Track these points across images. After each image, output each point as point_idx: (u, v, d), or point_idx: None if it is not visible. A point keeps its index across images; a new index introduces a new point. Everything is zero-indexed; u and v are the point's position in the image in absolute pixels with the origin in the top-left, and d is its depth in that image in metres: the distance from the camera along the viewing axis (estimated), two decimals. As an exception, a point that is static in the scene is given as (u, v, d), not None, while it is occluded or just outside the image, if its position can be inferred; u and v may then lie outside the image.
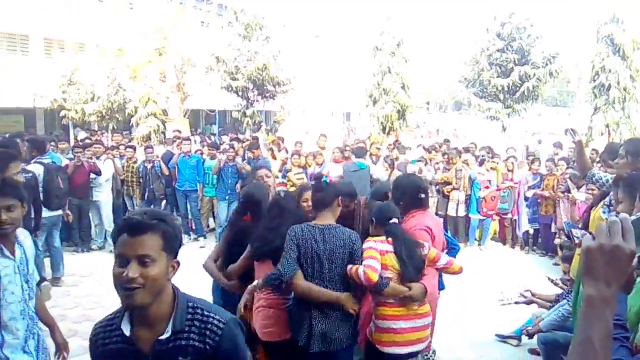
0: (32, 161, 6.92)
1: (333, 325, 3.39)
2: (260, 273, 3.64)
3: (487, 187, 9.63)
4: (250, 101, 18.85)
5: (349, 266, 3.41)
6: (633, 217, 1.15)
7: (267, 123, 23.14)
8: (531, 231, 10.00)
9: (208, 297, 3.97)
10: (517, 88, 19.66)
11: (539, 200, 9.39)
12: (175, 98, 18.49)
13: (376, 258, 3.42)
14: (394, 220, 3.62)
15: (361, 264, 3.37)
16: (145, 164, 9.84)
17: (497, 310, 5.71)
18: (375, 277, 3.30)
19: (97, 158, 9.23)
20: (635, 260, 1.13)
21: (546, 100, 21.39)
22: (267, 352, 3.74)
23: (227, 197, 9.46)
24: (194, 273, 4.01)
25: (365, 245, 3.50)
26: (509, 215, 10.05)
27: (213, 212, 10.47)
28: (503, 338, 5.77)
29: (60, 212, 7.35)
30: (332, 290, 3.38)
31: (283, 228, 3.51)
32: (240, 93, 18.58)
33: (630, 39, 17.60)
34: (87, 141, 11.41)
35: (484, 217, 9.81)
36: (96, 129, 17.45)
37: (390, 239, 3.55)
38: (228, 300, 3.94)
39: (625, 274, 1.11)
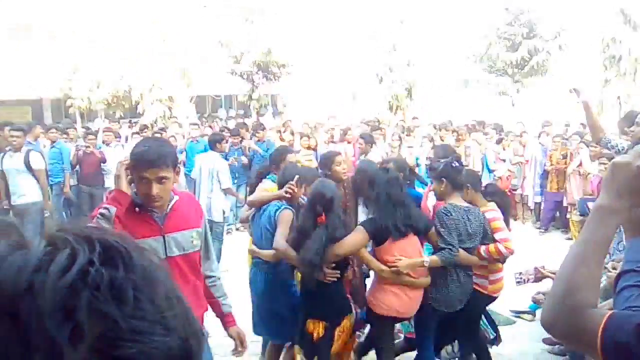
0: None
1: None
2: (388, 254, 3.58)
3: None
4: (255, 84, 18.75)
5: (482, 247, 3.76)
6: None
7: (273, 106, 23.04)
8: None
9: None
10: (526, 62, 19.40)
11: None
12: (180, 83, 18.44)
13: (504, 228, 3.86)
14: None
15: (493, 240, 3.75)
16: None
17: (512, 287, 5.68)
18: (513, 246, 3.78)
19: (107, 145, 9.25)
20: None
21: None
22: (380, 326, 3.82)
23: (235, 181, 9.44)
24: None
25: (489, 216, 3.84)
26: (519, 191, 9.97)
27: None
28: (517, 314, 5.74)
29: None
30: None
31: (408, 199, 3.70)
32: (245, 77, 18.49)
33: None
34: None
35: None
36: (103, 117, 17.47)
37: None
38: (282, 292, 3.90)
39: None
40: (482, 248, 3.79)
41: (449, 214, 3.63)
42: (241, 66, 18.45)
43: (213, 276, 2.92)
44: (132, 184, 2.53)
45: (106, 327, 0.48)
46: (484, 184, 4.55)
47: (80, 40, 17.91)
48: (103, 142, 9.36)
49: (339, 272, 3.52)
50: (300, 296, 3.78)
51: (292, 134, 11.56)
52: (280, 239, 3.58)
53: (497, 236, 3.80)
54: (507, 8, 19.81)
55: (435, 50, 20.09)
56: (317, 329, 3.52)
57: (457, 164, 3.79)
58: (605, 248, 1.18)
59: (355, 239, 3.50)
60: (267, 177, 4.51)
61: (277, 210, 3.80)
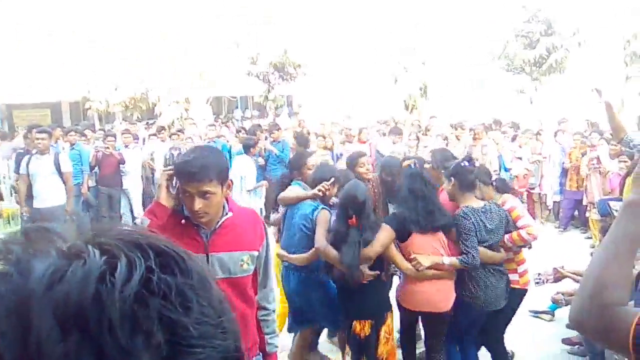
0: None
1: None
2: (412, 250, 3.67)
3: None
4: (271, 85, 18.83)
5: (506, 237, 3.81)
6: None
7: (289, 107, 23.10)
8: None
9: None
10: (544, 60, 19.18)
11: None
12: (197, 85, 18.58)
13: (525, 214, 3.98)
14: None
15: (516, 227, 3.83)
16: (172, 151, 9.89)
17: (532, 288, 5.61)
18: (535, 231, 3.88)
19: (126, 147, 9.38)
20: None
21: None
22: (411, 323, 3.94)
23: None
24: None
25: (507, 206, 3.91)
26: (537, 190, 9.85)
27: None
28: (536, 314, 5.69)
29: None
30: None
31: (434, 194, 3.74)
32: (261, 77, 18.57)
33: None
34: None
35: (517, 196, 9.60)
36: (121, 119, 17.68)
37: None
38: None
39: None
40: (506, 237, 3.85)
41: (468, 218, 3.63)
42: (257, 67, 18.53)
43: (267, 309, 2.61)
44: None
45: (176, 334, 0.47)
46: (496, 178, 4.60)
47: (98, 44, 18.14)
48: (122, 144, 9.48)
49: (377, 271, 3.62)
50: (338, 297, 3.86)
51: (308, 134, 11.56)
52: (321, 239, 3.65)
53: (519, 224, 3.87)
54: (525, 6, 19.61)
55: (451, 49, 19.97)
56: (364, 328, 3.65)
57: (466, 164, 3.79)
58: (636, 245, 1.15)
59: (383, 238, 3.57)
60: (293, 183, 4.41)
61: (314, 210, 3.85)
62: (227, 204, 2.38)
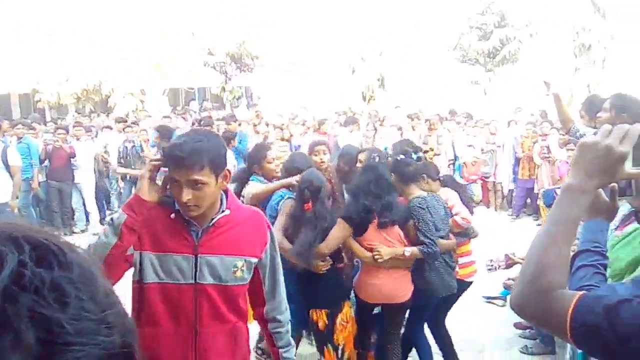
0: None
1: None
2: (370, 242, 3.66)
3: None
4: (228, 76, 18.62)
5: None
6: None
7: (248, 98, 22.89)
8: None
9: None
10: (498, 52, 19.63)
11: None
12: (153, 76, 18.18)
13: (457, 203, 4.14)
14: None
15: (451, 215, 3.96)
16: (126, 144, 9.66)
17: (484, 274, 5.75)
18: (468, 216, 4.09)
19: (78, 140, 9.13)
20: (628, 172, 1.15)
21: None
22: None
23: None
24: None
25: (444, 197, 4.01)
26: (491, 179, 10.10)
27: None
28: (489, 299, 5.85)
29: None
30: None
31: (392, 190, 3.72)
32: (218, 69, 18.33)
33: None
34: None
35: (467, 183, 9.81)
36: (73, 111, 17.14)
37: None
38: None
39: (610, 174, 1.14)
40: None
41: (423, 207, 3.67)
42: (214, 58, 18.26)
43: (279, 321, 2.32)
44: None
45: (51, 331, 0.44)
46: (444, 174, 4.73)
47: (46, 33, 17.50)
48: (74, 137, 9.20)
49: (331, 260, 3.64)
50: (297, 287, 3.81)
51: (267, 125, 11.50)
52: (277, 231, 3.50)
53: (453, 211, 4.04)
54: (479, -3, 20.02)
55: (407, 40, 20.17)
56: (321, 317, 3.67)
57: (403, 157, 3.85)
58: (574, 228, 1.17)
59: (338, 233, 3.58)
60: (251, 178, 4.23)
61: (280, 200, 3.80)
62: (226, 199, 2.10)
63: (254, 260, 2.14)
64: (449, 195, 4.14)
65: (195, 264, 2.02)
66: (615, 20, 18.00)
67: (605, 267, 1.43)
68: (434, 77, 21.11)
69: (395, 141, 5.84)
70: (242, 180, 4.28)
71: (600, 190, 1.43)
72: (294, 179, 3.81)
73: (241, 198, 4.22)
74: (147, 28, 17.23)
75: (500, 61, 19.78)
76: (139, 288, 2.06)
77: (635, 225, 1.81)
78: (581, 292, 1.11)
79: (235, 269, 2.07)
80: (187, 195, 1.88)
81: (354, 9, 19.24)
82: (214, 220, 2.03)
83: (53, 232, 0.53)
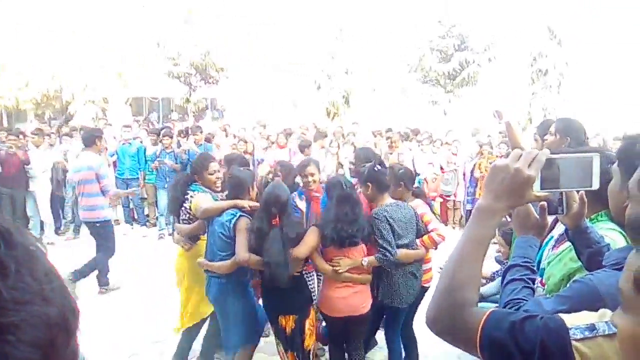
0: None
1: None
2: (333, 255, 3.78)
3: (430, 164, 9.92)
4: (192, 87, 18.50)
5: (418, 240, 4.02)
6: (556, 157, 1.21)
7: (212, 110, 22.75)
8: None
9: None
10: (457, 74, 20.16)
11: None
12: (115, 84, 17.89)
13: (434, 219, 4.24)
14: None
15: (426, 231, 4.07)
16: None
17: (437, 281, 5.87)
18: (444, 233, 4.17)
19: (37, 147, 8.93)
20: (543, 194, 1.21)
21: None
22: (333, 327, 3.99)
23: (166, 186, 9.24)
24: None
25: (420, 211, 4.12)
26: (452, 197, 10.33)
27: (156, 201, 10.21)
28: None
29: None
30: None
31: (360, 211, 3.78)
32: (182, 79, 18.20)
33: (565, 25, 18.39)
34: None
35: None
36: (32, 117, 16.69)
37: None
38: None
39: (519, 195, 1.18)
40: (417, 241, 4.06)
41: (379, 217, 3.78)
42: (179, 68, 18.12)
43: None
44: None
45: None
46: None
47: (7, 36, 17.05)
48: (33, 144, 8.98)
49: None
50: (263, 296, 3.94)
51: (234, 137, 11.48)
52: (241, 250, 3.67)
53: (429, 227, 4.14)
54: (440, 21, 20.54)
55: (372, 59, 20.52)
56: (288, 323, 3.77)
57: (379, 167, 3.96)
58: (484, 247, 1.20)
59: (311, 240, 3.72)
60: (192, 186, 4.32)
61: (231, 218, 3.82)
62: None
63: None
64: (424, 210, 4.25)
65: None
66: (570, 46, 18.78)
67: (533, 281, 1.50)
68: (400, 96, 21.52)
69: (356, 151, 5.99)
70: (182, 185, 4.39)
71: (530, 207, 1.53)
72: (246, 204, 3.89)
73: (185, 204, 4.30)
74: (110, 35, 16.98)
75: (459, 83, 20.30)
76: None
77: (568, 243, 1.91)
78: (491, 310, 1.14)
79: None
80: None
81: (320, 26, 19.46)
82: None
83: (4, 217, 0.60)
